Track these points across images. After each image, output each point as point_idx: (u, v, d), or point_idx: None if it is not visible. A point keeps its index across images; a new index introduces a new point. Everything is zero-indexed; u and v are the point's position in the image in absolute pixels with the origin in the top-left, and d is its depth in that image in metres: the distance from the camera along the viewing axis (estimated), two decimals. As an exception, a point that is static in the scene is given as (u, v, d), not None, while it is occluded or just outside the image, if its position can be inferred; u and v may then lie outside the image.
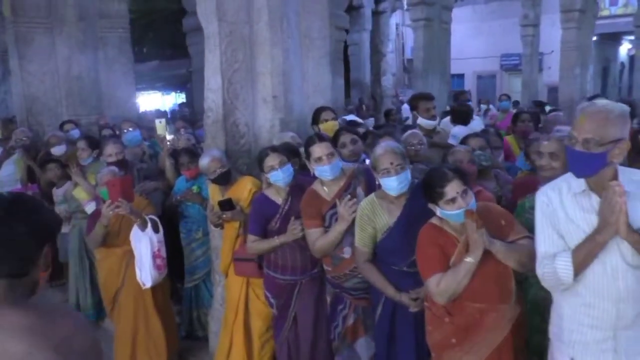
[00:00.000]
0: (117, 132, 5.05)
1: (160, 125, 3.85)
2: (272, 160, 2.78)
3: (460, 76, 19.94)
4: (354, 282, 2.65)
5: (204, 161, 3.13)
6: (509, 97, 9.03)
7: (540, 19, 15.30)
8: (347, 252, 2.62)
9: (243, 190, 3.15)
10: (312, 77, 3.90)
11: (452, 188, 2.05)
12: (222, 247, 3.31)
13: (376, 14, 17.87)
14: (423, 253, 2.17)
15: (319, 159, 2.58)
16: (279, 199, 2.88)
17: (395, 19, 19.18)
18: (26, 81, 5.26)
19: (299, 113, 3.79)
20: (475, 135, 3.15)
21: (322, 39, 3.97)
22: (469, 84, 20.38)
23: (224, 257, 3.27)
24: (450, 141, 3.68)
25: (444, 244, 2.14)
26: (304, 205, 2.70)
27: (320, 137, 2.62)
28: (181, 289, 3.97)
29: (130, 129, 4.62)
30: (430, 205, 2.17)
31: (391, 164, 2.35)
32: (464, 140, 3.09)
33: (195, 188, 3.68)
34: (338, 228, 2.54)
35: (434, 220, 2.22)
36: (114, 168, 3.40)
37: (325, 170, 2.58)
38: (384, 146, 2.45)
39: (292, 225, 2.75)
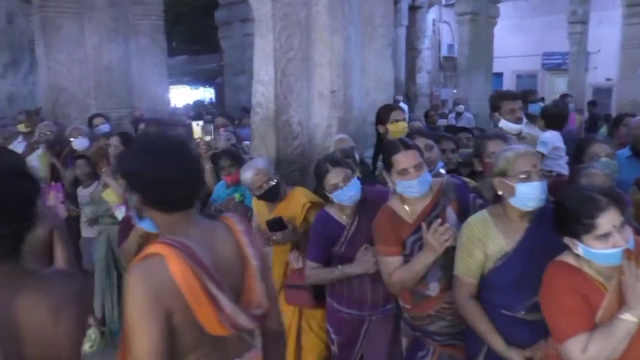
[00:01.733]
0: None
1: (197, 128, 3.38)
2: (334, 177, 2.28)
3: (499, 75, 19.09)
4: (441, 325, 2.12)
5: (247, 175, 2.62)
6: (567, 96, 8.37)
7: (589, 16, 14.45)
8: (433, 289, 2.09)
9: (295, 205, 2.65)
10: (373, 70, 3.38)
11: (608, 220, 1.51)
12: (272, 263, 2.82)
13: (413, 8, 17.22)
14: (558, 302, 1.62)
15: (404, 172, 2.05)
16: (343, 218, 2.37)
17: (432, 14, 18.48)
18: (53, 70, 4.86)
19: (358, 111, 3.28)
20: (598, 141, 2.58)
21: (385, 26, 3.44)
22: (508, 84, 19.54)
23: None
24: (539, 149, 3.11)
25: (588, 293, 1.59)
26: (379, 227, 2.17)
27: (406, 144, 2.09)
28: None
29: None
30: (567, 240, 1.62)
31: (533, 166, 1.83)
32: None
33: (237, 196, 3.19)
34: (423, 259, 2.00)
35: (567, 259, 1.67)
36: None
37: (412, 186, 2.05)
38: (519, 147, 1.93)
39: (362, 254, 2.24)
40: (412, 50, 18.37)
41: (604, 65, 16.95)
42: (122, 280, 3.87)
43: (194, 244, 1.27)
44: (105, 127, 4.83)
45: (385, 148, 2.21)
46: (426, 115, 9.07)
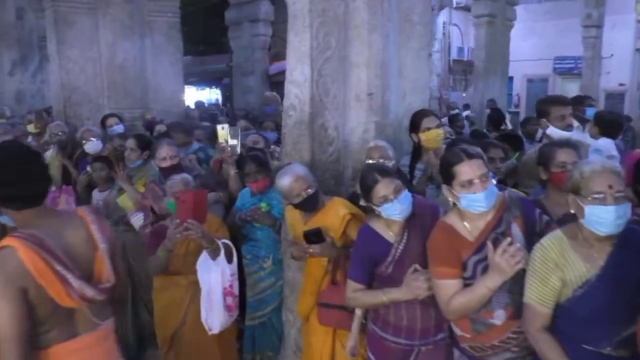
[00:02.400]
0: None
1: (222, 132, 3.17)
2: (384, 188, 2.05)
3: (509, 79, 18.84)
4: (506, 357, 1.90)
5: (285, 181, 2.40)
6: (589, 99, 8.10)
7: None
8: (498, 317, 1.87)
9: (334, 217, 2.43)
10: (409, 71, 3.15)
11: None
12: (304, 286, 2.60)
13: (423, 11, 16.96)
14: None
15: (469, 183, 1.83)
16: (390, 234, 2.15)
17: (442, 17, 18.28)
18: (65, 68, 4.66)
19: (394, 116, 3.06)
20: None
21: (423, 24, 3.21)
22: (518, 88, 19.35)
23: (304, 299, 2.55)
24: (592, 157, 2.89)
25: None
26: (436, 246, 1.95)
27: (469, 153, 1.87)
28: (240, 323, 3.27)
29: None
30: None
31: (610, 187, 1.61)
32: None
33: (264, 206, 2.97)
34: (489, 283, 1.78)
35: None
36: (188, 177, 2.73)
37: (479, 200, 1.83)
38: (598, 162, 1.70)
39: (413, 277, 2.02)
40: (422, 52, 18.08)
41: (617, 70, 16.71)
42: (138, 293, 3.68)
43: (43, 234, 1.58)
44: (119, 128, 4.63)
45: (443, 158, 1.99)
46: (451, 119, 8.77)
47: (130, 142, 3.66)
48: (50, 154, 4.44)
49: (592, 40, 14.26)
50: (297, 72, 2.64)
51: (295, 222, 2.56)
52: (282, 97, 10.46)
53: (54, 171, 4.45)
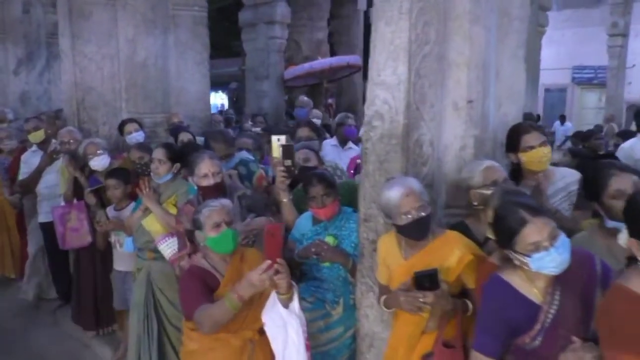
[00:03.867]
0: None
1: (277, 145, 2.60)
2: (536, 232, 1.51)
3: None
4: None
5: (394, 193, 1.85)
6: None
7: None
8: None
9: (449, 254, 1.87)
10: (506, 75, 2.58)
11: None
12: (391, 344, 2.02)
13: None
14: None
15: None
16: (534, 292, 1.58)
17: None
18: (80, 66, 4.08)
19: (491, 129, 2.49)
20: None
21: (520, 19, 2.66)
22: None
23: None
24: None
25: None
26: (617, 321, 1.37)
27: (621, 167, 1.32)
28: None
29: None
30: None
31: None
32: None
33: (331, 240, 2.39)
34: None
35: None
36: (228, 204, 2.19)
37: None
38: None
39: (576, 356, 1.45)
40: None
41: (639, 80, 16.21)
42: (164, 331, 3.10)
43: None
44: (139, 136, 4.06)
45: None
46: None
47: (159, 153, 3.08)
48: (59, 165, 3.86)
49: (617, 49, 13.75)
50: (388, 71, 2.07)
51: (390, 255, 1.99)
52: (291, 103, 9.85)
53: (64, 185, 3.88)
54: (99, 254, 3.83)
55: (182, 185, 3.11)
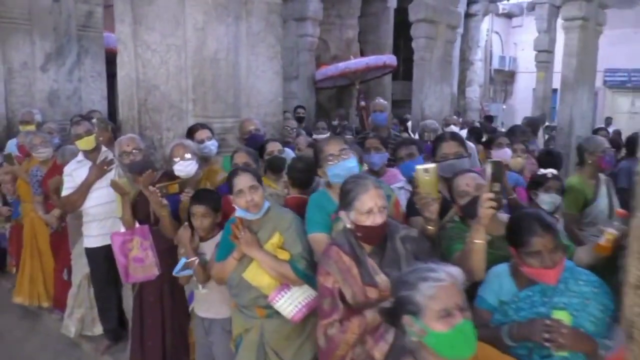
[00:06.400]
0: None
1: (425, 177, 1.92)
2: None
3: (554, 91, 17.64)
4: None
5: None
6: None
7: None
8: None
9: None
10: None
11: None
12: None
13: (467, 16, 15.93)
14: None
15: None
16: None
17: (485, 23, 17.10)
18: (142, 59, 3.34)
19: None
20: None
21: None
22: (564, 102, 18.08)
23: None
24: None
25: None
26: None
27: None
28: None
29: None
30: None
31: None
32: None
33: (565, 316, 1.65)
34: None
35: None
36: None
37: None
38: None
39: None
40: (463, 61, 17.07)
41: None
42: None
43: None
44: (212, 145, 3.35)
45: None
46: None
47: (246, 178, 2.33)
48: (122, 181, 3.13)
49: (660, 51, 13.07)
50: None
51: None
52: (320, 106, 9.13)
53: (122, 206, 3.15)
54: (167, 287, 3.12)
55: (283, 218, 2.37)
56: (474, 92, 17.23)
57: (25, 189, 4.40)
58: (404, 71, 13.92)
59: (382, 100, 4.67)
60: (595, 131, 6.27)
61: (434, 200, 1.99)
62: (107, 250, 3.55)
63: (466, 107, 17.18)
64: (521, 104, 19.39)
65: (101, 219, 3.55)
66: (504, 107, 18.63)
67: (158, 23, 3.36)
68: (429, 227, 2.03)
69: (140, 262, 3.09)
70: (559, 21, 10.19)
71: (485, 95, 17.97)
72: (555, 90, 17.89)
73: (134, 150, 3.10)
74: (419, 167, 2.09)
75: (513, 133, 4.39)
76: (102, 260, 3.58)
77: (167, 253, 3.09)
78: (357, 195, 1.88)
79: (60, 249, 4.23)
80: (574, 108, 8.75)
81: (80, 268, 3.72)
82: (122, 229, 3.12)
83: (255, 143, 3.41)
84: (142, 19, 3.33)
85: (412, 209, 2.36)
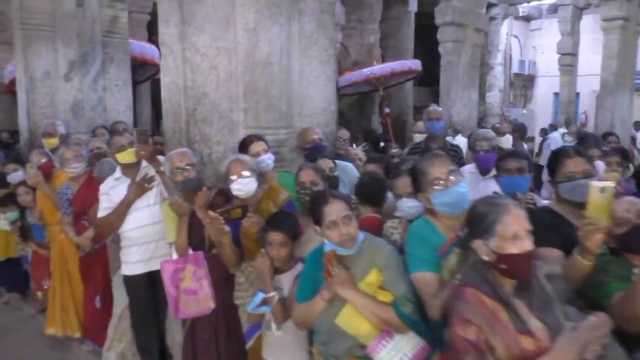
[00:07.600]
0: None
1: (601, 198, 1.54)
2: None
3: (575, 95, 17.21)
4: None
5: None
6: None
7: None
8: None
9: None
10: None
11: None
12: None
13: (486, 19, 15.57)
14: None
15: None
16: None
17: (505, 27, 16.73)
18: (190, 63, 2.98)
19: None
20: None
21: None
22: (586, 105, 17.69)
23: None
24: None
25: None
26: None
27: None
28: None
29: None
30: None
31: None
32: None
33: None
34: None
35: None
36: None
37: None
38: None
39: None
40: (483, 65, 16.68)
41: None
42: None
43: None
44: (269, 159, 2.98)
45: None
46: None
47: (340, 206, 1.95)
48: (164, 204, 2.76)
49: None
50: None
51: None
52: (341, 113, 8.70)
53: (173, 231, 2.79)
54: (223, 322, 2.75)
55: (379, 250, 1.99)
56: (494, 97, 16.85)
57: (51, 210, 4.03)
58: (422, 77, 13.57)
59: (437, 108, 4.29)
60: (604, 136, 5.65)
61: (603, 228, 1.60)
62: (148, 279, 3.20)
63: (486, 113, 16.79)
64: (541, 108, 18.96)
65: (141, 243, 3.18)
66: (524, 112, 18.20)
67: (208, 24, 3.00)
68: (585, 262, 1.64)
69: (193, 295, 2.72)
70: (582, 23, 9.75)
71: (505, 100, 17.56)
72: (578, 94, 17.49)
73: (187, 166, 2.74)
74: (594, 184, 1.69)
75: (586, 142, 3.99)
76: (143, 290, 3.21)
77: (223, 283, 2.72)
78: (498, 217, 1.52)
79: (91, 274, 3.87)
80: (616, 112, 8.34)
81: (122, 297, 3.34)
82: (173, 255, 2.74)
83: (317, 155, 3.04)
84: (191, 19, 2.98)
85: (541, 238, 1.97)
